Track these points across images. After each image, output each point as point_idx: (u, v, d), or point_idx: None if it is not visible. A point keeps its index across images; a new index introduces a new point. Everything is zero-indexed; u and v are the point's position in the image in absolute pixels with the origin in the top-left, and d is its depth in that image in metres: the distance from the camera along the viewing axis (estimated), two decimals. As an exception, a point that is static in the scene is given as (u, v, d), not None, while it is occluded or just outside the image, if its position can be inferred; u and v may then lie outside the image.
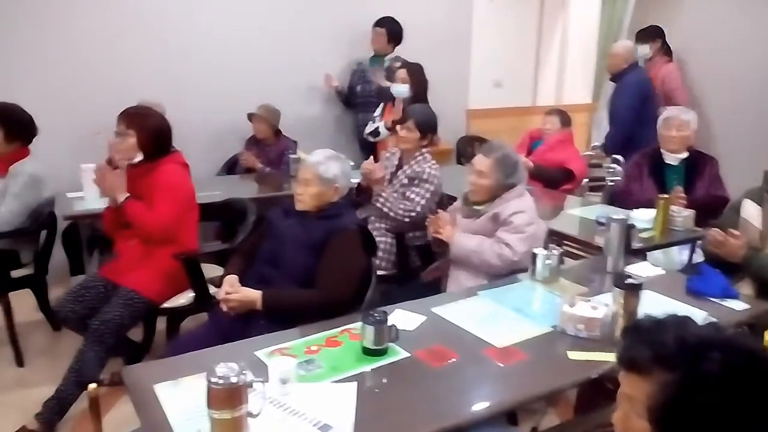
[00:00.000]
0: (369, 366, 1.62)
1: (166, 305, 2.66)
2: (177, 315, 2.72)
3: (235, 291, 2.11)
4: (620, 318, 1.77)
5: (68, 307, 2.60)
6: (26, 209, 2.90)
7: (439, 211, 2.67)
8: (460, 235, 2.51)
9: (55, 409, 2.44)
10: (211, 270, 2.78)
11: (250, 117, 4.09)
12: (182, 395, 1.46)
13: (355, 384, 1.51)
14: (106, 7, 3.92)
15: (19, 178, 2.89)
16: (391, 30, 4.45)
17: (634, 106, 4.26)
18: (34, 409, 2.45)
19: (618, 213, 2.78)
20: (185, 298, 2.70)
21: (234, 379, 1.27)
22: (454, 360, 1.67)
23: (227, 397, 1.27)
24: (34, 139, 3.02)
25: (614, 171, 3.90)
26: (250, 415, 1.32)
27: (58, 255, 3.27)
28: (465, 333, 1.83)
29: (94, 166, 2.73)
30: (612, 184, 3.75)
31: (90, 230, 3.13)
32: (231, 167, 4.25)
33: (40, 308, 3.21)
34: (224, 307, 2.12)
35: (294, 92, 4.55)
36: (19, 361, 2.97)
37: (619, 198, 3.37)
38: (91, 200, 3.06)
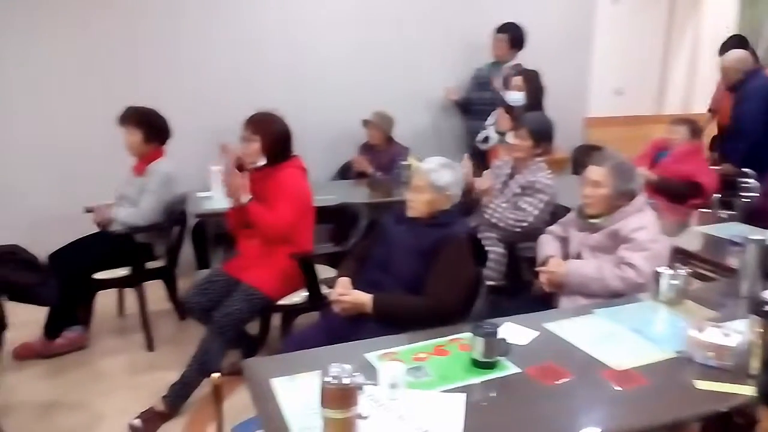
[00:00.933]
0: (478, 378, 1.60)
1: (281, 302, 2.79)
2: (291, 312, 2.85)
3: (347, 293, 2.17)
4: (757, 348, 1.62)
5: (194, 299, 2.80)
6: (161, 206, 3.16)
7: (551, 258, 2.49)
8: (573, 262, 2.39)
9: (179, 392, 2.63)
10: (323, 271, 2.88)
11: (365, 123, 4.19)
12: (297, 391, 1.52)
13: (464, 396, 1.50)
14: (236, 20, 4.19)
15: (155, 176, 3.15)
16: (513, 36, 4.38)
17: (760, 114, 3.91)
18: (161, 391, 2.65)
19: (755, 232, 2.54)
20: (299, 296, 2.82)
21: (346, 380, 1.31)
22: (567, 379, 1.61)
23: (340, 397, 1.30)
24: (168, 141, 3.28)
25: (750, 186, 3.58)
26: (360, 416, 1.35)
27: (187, 250, 3.53)
28: (579, 352, 1.75)
29: (222, 168, 2.92)
30: (748, 200, 3.44)
31: (216, 228, 3.34)
32: (344, 172, 4.38)
33: (169, 298, 3.49)
34: (336, 308, 2.18)
35: (408, 99, 4.61)
36: (150, 346, 3.23)
37: (756, 216, 3.09)
38: (218, 200, 3.27)
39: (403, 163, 3.88)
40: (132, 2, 3.92)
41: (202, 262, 3.74)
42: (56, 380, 2.94)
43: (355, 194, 3.81)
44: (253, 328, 3.03)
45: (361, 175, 4.18)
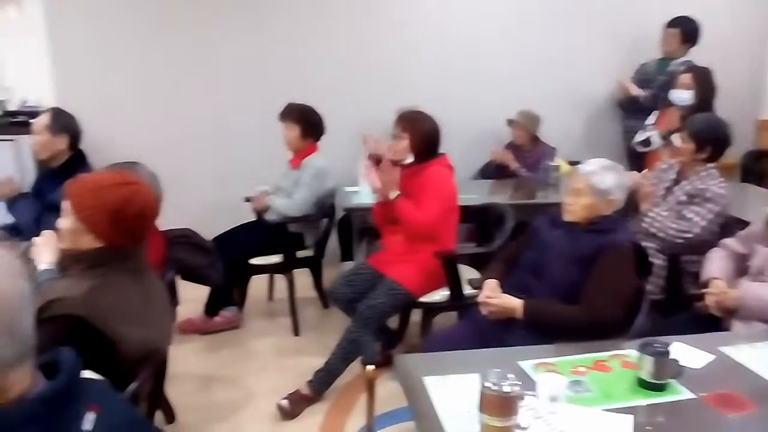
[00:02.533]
0: (645, 400, 1.48)
1: (423, 299, 2.80)
2: (432, 310, 2.85)
3: (495, 296, 2.11)
4: None
5: (340, 290, 2.89)
6: (313, 198, 3.30)
7: (714, 281, 2.23)
8: (749, 285, 2.13)
9: (323, 379, 2.73)
10: (465, 271, 2.84)
11: (510, 123, 4.08)
12: (450, 391, 1.50)
13: (631, 417, 1.39)
14: (385, 17, 4.26)
15: (309, 170, 3.30)
16: (686, 30, 4.02)
17: None
18: (305, 375, 2.77)
19: None
20: (440, 295, 2.80)
21: (507, 389, 1.26)
22: (750, 412, 1.43)
23: (500, 405, 1.27)
24: (322, 137, 3.42)
25: None
26: (518, 427, 1.30)
27: (332, 241, 3.67)
28: (765, 383, 1.56)
29: (369, 163, 2.99)
30: None
31: (361, 222, 3.44)
32: (485, 172, 4.30)
33: (315, 287, 3.65)
34: (483, 311, 2.14)
35: (557, 96, 4.43)
36: (296, 331, 3.40)
37: None
38: (364, 195, 3.36)
39: (550, 164, 3.73)
40: (290, 8, 4.13)
41: (346, 254, 3.87)
42: (213, 355, 3.18)
43: (497, 194, 3.72)
44: (392, 322, 3.07)
45: (503, 174, 4.07)
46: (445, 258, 2.72)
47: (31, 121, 3.60)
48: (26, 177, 3.36)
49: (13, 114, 3.80)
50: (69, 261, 1.60)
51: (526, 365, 1.64)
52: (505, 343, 1.91)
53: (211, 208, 3.92)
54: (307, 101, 3.40)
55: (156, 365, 1.64)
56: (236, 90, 4.18)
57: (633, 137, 3.90)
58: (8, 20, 3.87)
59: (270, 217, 3.33)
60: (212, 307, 3.36)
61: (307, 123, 3.33)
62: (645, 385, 1.52)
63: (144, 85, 4.07)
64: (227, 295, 3.36)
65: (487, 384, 1.27)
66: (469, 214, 3.14)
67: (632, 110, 4.23)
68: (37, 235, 1.89)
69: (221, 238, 3.28)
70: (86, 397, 0.87)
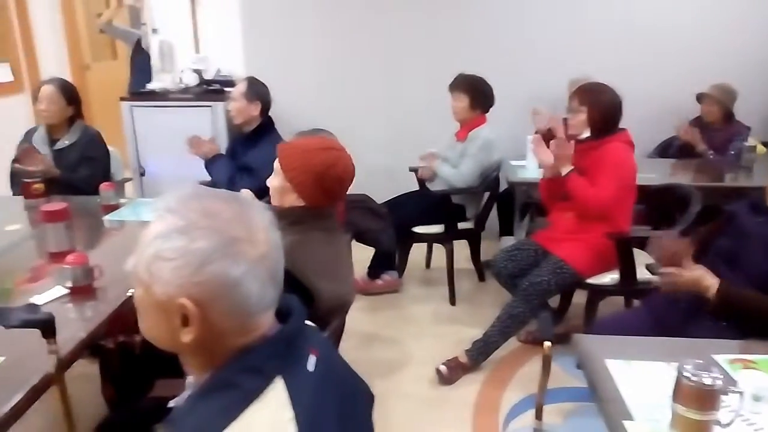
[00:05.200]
0: None
1: (590, 281, 2.70)
2: (599, 292, 2.73)
3: (689, 268, 1.86)
4: None
5: (501, 264, 2.87)
6: (479, 170, 3.29)
7: None
8: None
9: (481, 349, 2.76)
10: (637, 255, 2.68)
11: (700, 98, 3.72)
12: (635, 376, 1.44)
13: None
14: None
15: (476, 141, 3.29)
16: None
17: None
18: (461, 343, 2.82)
19: None
20: (609, 277, 2.68)
21: (708, 381, 1.19)
22: None
23: (699, 398, 1.19)
24: (491, 109, 3.38)
25: None
26: (718, 423, 1.22)
27: (492, 215, 3.64)
28: None
29: (537, 138, 2.90)
30: None
31: (524, 197, 3.37)
32: (664, 150, 3.98)
33: (472, 259, 3.67)
34: (665, 283, 1.89)
35: (756, 70, 3.95)
36: (452, 301, 3.45)
37: None
38: (531, 170, 3.28)
39: (745, 144, 3.36)
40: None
41: (506, 228, 3.83)
42: (374, 316, 3.34)
43: (678, 175, 3.44)
44: (552, 302, 3.00)
45: (686, 154, 3.74)
46: (618, 239, 2.59)
47: (225, 89, 3.98)
48: (220, 140, 3.72)
49: (209, 82, 4.21)
50: (274, 217, 1.76)
51: (721, 359, 1.52)
52: (689, 334, 1.77)
53: (378, 175, 4.05)
54: (477, 73, 3.37)
55: (343, 318, 1.76)
56: (409, 60, 4.25)
57: None
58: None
59: (434, 186, 3.38)
60: (375, 270, 3.51)
61: (476, 93, 3.31)
62: None
63: (323, 57, 4.28)
64: (390, 259, 3.49)
65: (685, 374, 1.20)
66: (646, 194, 2.94)
67: None
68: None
69: (388, 204, 3.40)
70: (309, 340, 0.96)
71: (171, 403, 0.94)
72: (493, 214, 3.72)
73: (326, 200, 1.69)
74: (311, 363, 0.91)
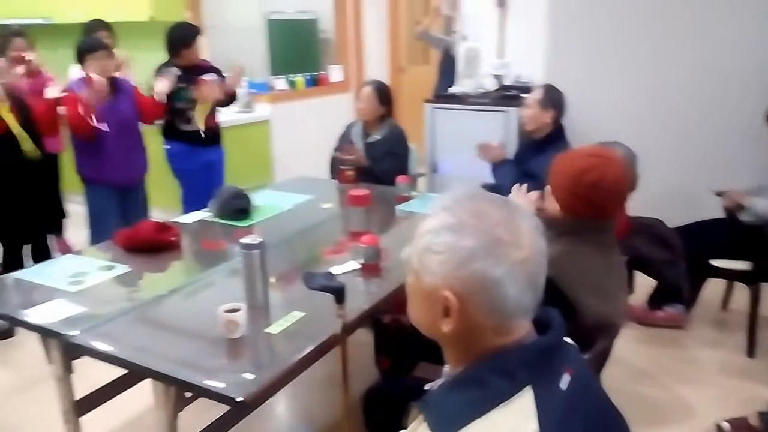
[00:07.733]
0: None
1: None
2: None
3: None
4: None
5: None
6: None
7: None
8: None
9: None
10: None
11: None
12: None
13: None
14: None
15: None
16: None
17: None
18: (752, 404, 2.42)
19: None
20: None
21: None
22: None
23: None
24: None
25: None
26: None
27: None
28: None
29: None
30: None
31: None
32: None
33: None
34: None
35: None
36: (750, 352, 2.94)
37: None
38: None
39: None
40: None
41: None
42: (649, 350, 3.03)
43: None
44: None
45: None
46: None
47: (521, 95, 4.04)
48: (509, 145, 3.80)
49: (507, 88, 4.31)
50: (544, 224, 1.75)
51: None
52: None
53: (672, 196, 3.67)
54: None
55: (610, 342, 1.65)
56: (730, 77, 3.74)
57: None
58: (516, 2, 4.35)
59: (744, 217, 2.92)
60: (657, 299, 3.19)
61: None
62: None
63: (626, 74, 4.03)
64: (677, 291, 3.14)
65: None
66: None
67: None
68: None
69: (681, 230, 3.06)
70: (566, 358, 0.93)
71: (427, 386, 1.02)
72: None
73: (583, 209, 1.60)
74: (564, 381, 0.89)
